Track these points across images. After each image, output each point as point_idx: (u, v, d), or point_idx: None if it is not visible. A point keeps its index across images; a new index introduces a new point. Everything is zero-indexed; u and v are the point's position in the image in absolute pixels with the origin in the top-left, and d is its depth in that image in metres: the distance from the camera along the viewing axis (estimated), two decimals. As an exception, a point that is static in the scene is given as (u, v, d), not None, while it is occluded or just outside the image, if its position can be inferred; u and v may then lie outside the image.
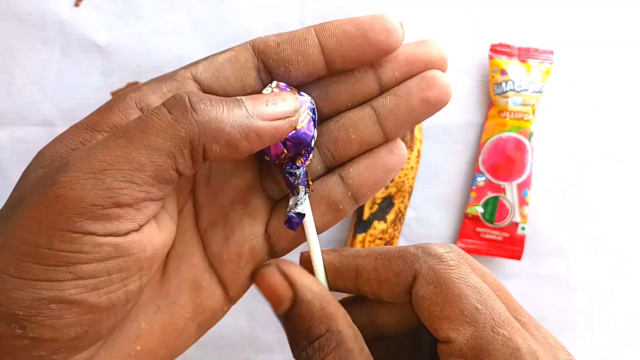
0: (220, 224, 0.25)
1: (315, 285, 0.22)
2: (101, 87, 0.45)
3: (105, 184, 0.18)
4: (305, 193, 0.24)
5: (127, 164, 0.19)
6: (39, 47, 0.44)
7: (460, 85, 0.47)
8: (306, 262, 0.25)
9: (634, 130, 0.47)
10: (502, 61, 0.45)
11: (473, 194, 0.46)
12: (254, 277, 0.23)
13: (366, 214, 0.44)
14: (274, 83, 0.23)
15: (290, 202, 0.24)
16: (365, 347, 0.22)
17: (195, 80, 0.22)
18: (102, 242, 0.19)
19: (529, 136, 0.45)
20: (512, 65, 0.45)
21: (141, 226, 0.20)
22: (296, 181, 0.23)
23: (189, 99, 0.19)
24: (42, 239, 0.18)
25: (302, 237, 0.25)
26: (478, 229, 0.46)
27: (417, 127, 0.44)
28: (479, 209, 0.45)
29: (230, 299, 0.25)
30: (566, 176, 0.46)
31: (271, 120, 0.21)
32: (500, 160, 0.45)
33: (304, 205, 0.24)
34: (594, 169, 0.46)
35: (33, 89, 0.44)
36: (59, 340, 0.19)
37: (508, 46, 0.46)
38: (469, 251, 0.46)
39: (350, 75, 0.24)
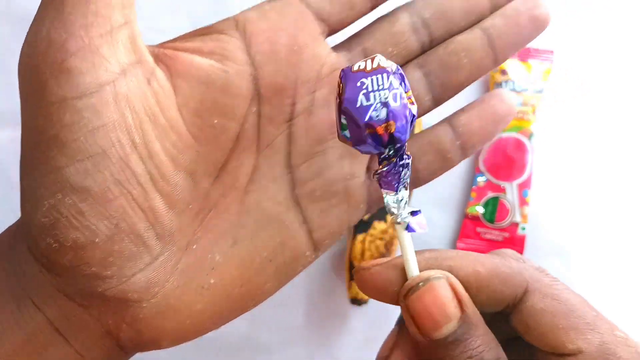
0: (317, 160, 0.23)
1: (475, 309, 0.20)
2: (101, 87, 0.45)
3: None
4: (404, 190, 0.21)
5: None
6: (38, 47, 0.44)
7: (460, 85, 0.47)
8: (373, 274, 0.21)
9: (634, 130, 0.47)
10: (502, 61, 0.45)
11: (473, 194, 0.46)
12: (412, 289, 0.20)
13: (366, 214, 0.44)
14: (377, 61, 0.20)
15: (390, 203, 0.20)
16: None
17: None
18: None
19: (529, 136, 0.45)
20: (512, 65, 0.45)
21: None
22: (394, 180, 0.20)
23: None
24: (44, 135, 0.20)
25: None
26: (478, 229, 0.46)
27: (417, 127, 0.44)
28: (479, 209, 0.45)
29: (315, 244, 0.23)
30: (566, 176, 0.46)
31: None
32: (500, 160, 0.45)
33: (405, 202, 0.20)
34: (594, 169, 0.46)
35: (33, 89, 0.44)
36: (97, 245, 0.19)
37: (508, 46, 0.45)
38: (469, 251, 0.46)
39: None
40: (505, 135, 0.45)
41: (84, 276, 0.19)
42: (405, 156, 0.20)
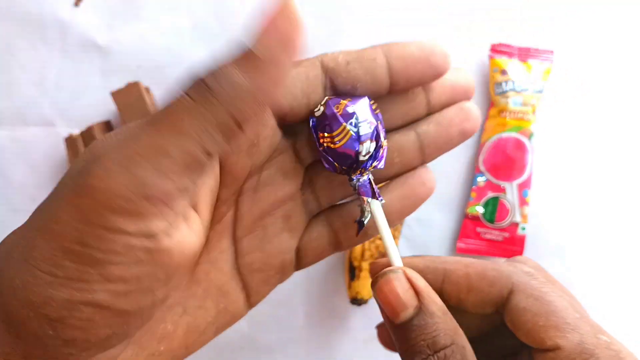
0: (258, 234, 0.25)
1: (438, 299, 0.23)
2: (101, 87, 0.45)
3: (134, 174, 0.18)
4: (368, 203, 0.24)
5: (155, 152, 0.18)
6: (39, 47, 0.44)
7: (460, 85, 0.47)
8: (377, 270, 0.25)
9: (634, 130, 0.47)
10: (502, 61, 0.45)
11: (473, 194, 0.46)
12: (376, 280, 0.23)
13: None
14: (324, 100, 0.24)
15: (361, 209, 0.24)
16: None
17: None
18: (134, 244, 0.19)
19: (529, 136, 0.45)
20: (512, 65, 0.45)
21: (172, 228, 0.20)
22: (355, 192, 0.24)
23: (204, 82, 0.19)
24: (74, 233, 0.18)
25: (328, 251, 0.26)
26: (478, 229, 0.46)
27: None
28: (479, 209, 0.45)
29: (250, 305, 0.26)
30: (566, 176, 0.46)
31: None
32: (500, 160, 0.45)
33: (369, 215, 0.24)
34: (594, 169, 0.46)
35: (33, 89, 0.44)
36: (89, 341, 0.19)
37: (508, 46, 0.46)
38: (469, 251, 0.46)
39: (405, 96, 0.25)
40: (505, 135, 0.45)
41: (56, 351, 0.19)
42: (350, 179, 0.24)
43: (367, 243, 0.44)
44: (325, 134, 0.23)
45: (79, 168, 0.19)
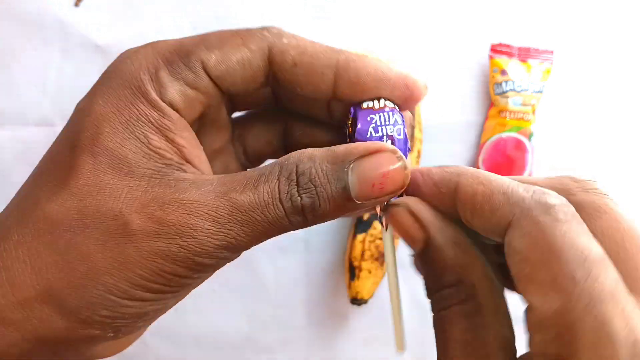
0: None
1: (449, 231, 0.21)
2: (101, 87, 0.45)
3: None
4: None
5: None
6: (39, 47, 0.44)
7: (460, 85, 0.47)
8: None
9: (634, 130, 0.47)
10: (502, 61, 0.45)
11: (473, 194, 0.46)
12: (384, 213, 0.22)
13: (366, 214, 0.44)
14: (382, 102, 0.23)
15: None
16: (504, 305, 0.20)
17: (207, 71, 0.22)
18: (203, 280, 0.22)
19: (529, 136, 0.45)
20: (512, 65, 0.45)
21: None
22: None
23: (304, 212, 0.20)
24: (159, 279, 0.20)
25: None
26: (478, 229, 0.46)
27: (417, 127, 0.44)
28: (479, 209, 0.45)
29: None
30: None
31: (374, 201, 0.21)
32: (500, 160, 0.45)
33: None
34: (594, 169, 0.46)
35: (33, 89, 0.44)
36: (129, 337, 0.21)
37: (508, 46, 0.46)
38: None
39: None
40: (505, 135, 0.45)
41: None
42: None
43: (367, 243, 0.44)
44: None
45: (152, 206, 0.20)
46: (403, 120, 0.23)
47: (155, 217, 0.19)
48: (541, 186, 0.20)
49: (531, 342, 0.18)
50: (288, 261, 0.45)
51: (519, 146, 0.45)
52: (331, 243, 0.46)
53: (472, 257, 0.20)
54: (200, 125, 0.24)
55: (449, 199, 0.21)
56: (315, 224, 0.21)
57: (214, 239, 0.19)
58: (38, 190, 0.20)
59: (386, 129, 0.23)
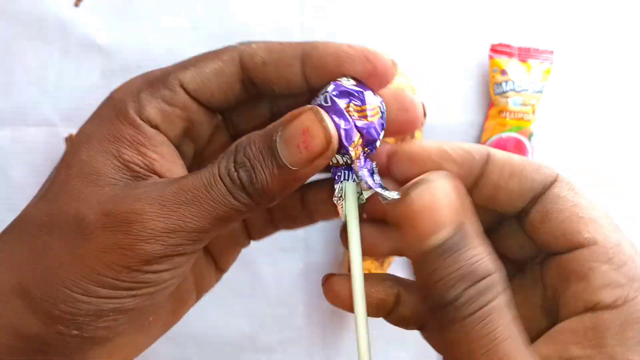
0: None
1: (477, 218, 0.20)
2: (101, 87, 0.45)
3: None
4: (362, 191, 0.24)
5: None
6: (39, 47, 0.44)
7: (460, 85, 0.47)
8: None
9: (634, 130, 0.47)
10: (502, 61, 0.45)
11: (473, 194, 0.46)
12: (407, 192, 0.19)
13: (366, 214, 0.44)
14: (350, 81, 0.23)
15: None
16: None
17: (184, 88, 0.23)
18: (165, 278, 0.21)
19: (529, 136, 0.45)
20: (512, 65, 0.45)
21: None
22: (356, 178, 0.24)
23: (241, 181, 0.21)
24: (110, 272, 0.20)
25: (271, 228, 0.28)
26: (478, 229, 0.46)
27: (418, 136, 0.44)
28: (479, 209, 0.45)
29: (221, 270, 0.28)
30: (566, 176, 0.46)
31: (306, 165, 0.21)
32: (500, 160, 0.45)
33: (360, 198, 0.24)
34: (593, 169, 0.46)
35: (33, 89, 0.44)
36: (108, 338, 0.21)
37: (508, 46, 0.46)
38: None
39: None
40: (505, 135, 0.45)
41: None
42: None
43: (367, 243, 0.44)
44: (356, 105, 0.23)
45: (109, 208, 0.21)
46: (373, 101, 0.23)
47: (106, 211, 0.20)
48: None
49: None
50: (288, 261, 0.45)
51: (519, 146, 0.45)
52: (331, 243, 0.46)
53: (487, 246, 0.19)
54: (197, 147, 0.26)
55: (478, 167, 0.22)
56: (266, 204, 0.22)
57: (159, 221, 0.20)
58: (30, 202, 0.23)
59: (352, 103, 0.23)
